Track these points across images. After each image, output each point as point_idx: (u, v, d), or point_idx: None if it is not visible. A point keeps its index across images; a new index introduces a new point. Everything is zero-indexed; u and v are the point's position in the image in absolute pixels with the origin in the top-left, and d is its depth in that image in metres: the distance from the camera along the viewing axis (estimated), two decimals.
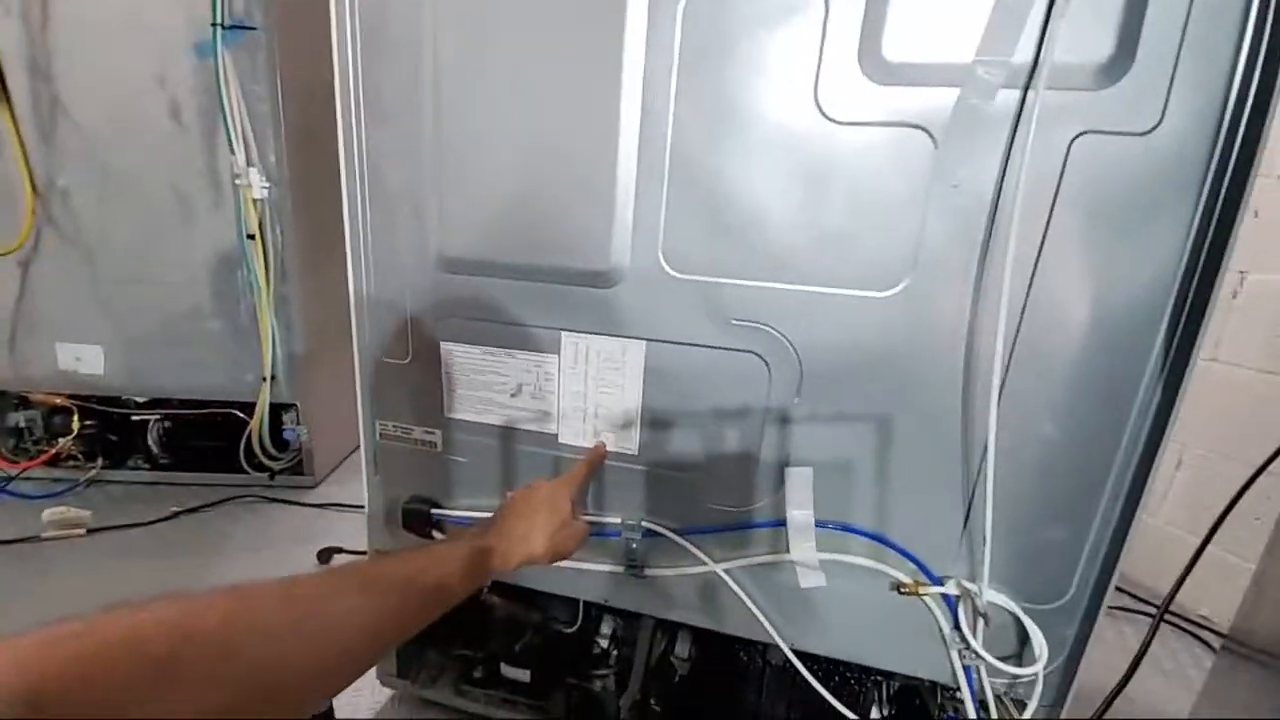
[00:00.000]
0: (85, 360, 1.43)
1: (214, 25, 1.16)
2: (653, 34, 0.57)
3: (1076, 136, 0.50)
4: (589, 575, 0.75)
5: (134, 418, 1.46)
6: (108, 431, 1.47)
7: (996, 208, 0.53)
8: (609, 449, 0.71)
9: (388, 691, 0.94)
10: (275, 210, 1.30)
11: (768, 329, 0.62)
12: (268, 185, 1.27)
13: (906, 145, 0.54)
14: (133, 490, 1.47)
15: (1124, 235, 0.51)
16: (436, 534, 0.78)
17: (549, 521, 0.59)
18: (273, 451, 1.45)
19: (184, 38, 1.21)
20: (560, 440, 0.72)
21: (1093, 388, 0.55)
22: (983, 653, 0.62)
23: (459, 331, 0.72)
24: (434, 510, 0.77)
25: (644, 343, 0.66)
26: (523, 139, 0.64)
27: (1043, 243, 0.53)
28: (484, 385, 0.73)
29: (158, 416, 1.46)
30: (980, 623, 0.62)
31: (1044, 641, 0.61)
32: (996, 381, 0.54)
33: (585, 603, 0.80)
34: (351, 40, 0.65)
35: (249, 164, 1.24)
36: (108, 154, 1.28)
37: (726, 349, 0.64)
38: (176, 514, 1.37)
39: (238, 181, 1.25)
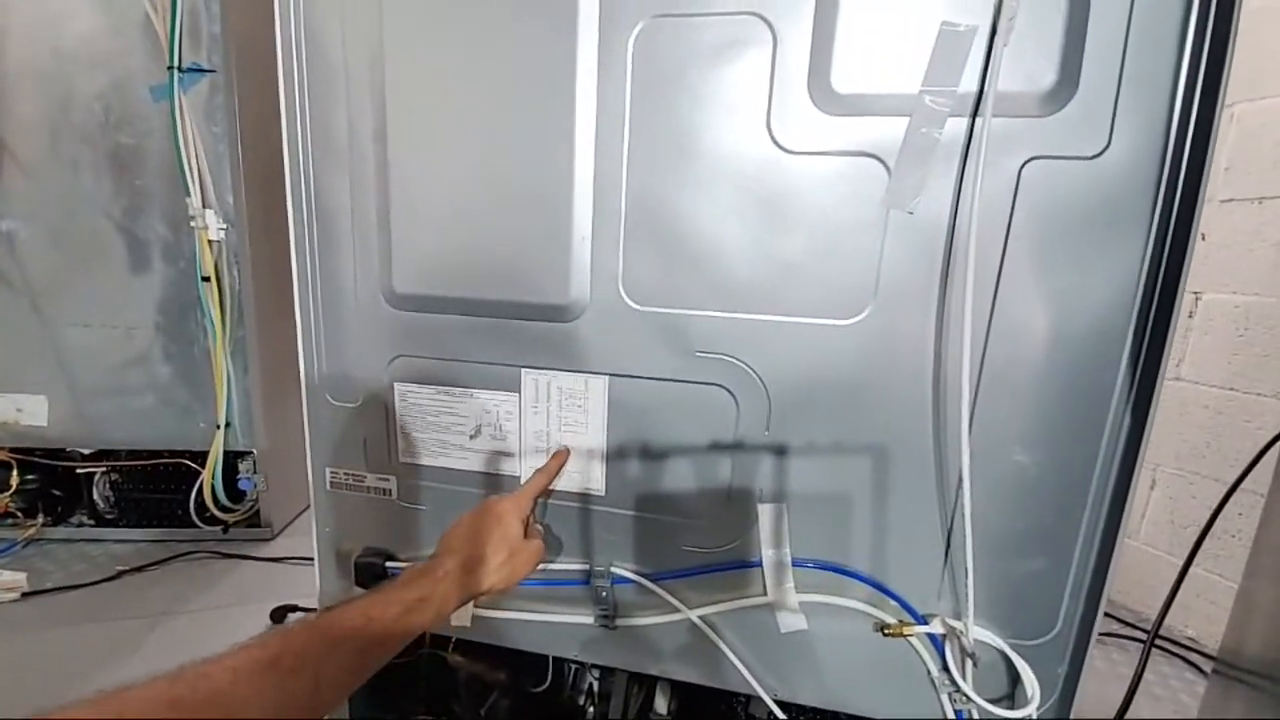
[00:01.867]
0: (27, 411, 1.35)
1: (170, 68, 1.14)
2: (603, 68, 0.57)
3: (1026, 162, 0.50)
4: (556, 629, 0.70)
5: (79, 470, 1.37)
6: (50, 486, 1.38)
7: (953, 234, 0.53)
8: (575, 490, 0.67)
9: None
10: (232, 252, 1.26)
11: (733, 361, 0.60)
12: (224, 226, 1.24)
13: (860, 173, 0.53)
14: (76, 549, 1.37)
15: (1080, 258, 0.51)
16: None
17: (495, 549, 0.55)
18: (226, 503, 1.37)
19: (139, 81, 1.19)
20: (522, 482, 0.69)
21: (1062, 413, 0.54)
22: (973, 695, 0.59)
23: (412, 371, 0.68)
24: (388, 563, 0.72)
25: (607, 378, 0.64)
26: (474, 172, 0.62)
27: (1001, 267, 0.52)
28: (440, 427, 0.69)
29: (104, 469, 1.37)
30: (969, 663, 0.59)
31: (1035, 680, 0.58)
32: (966, 410, 0.53)
33: (555, 658, 0.75)
34: (298, 76, 0.64)
35: (205, 205, 1.21)
36: (57, 197, 1.24)
37: (692, 382, 0.61)
38: (121, 573, 1.28)
39: (193, 223, 1.22)
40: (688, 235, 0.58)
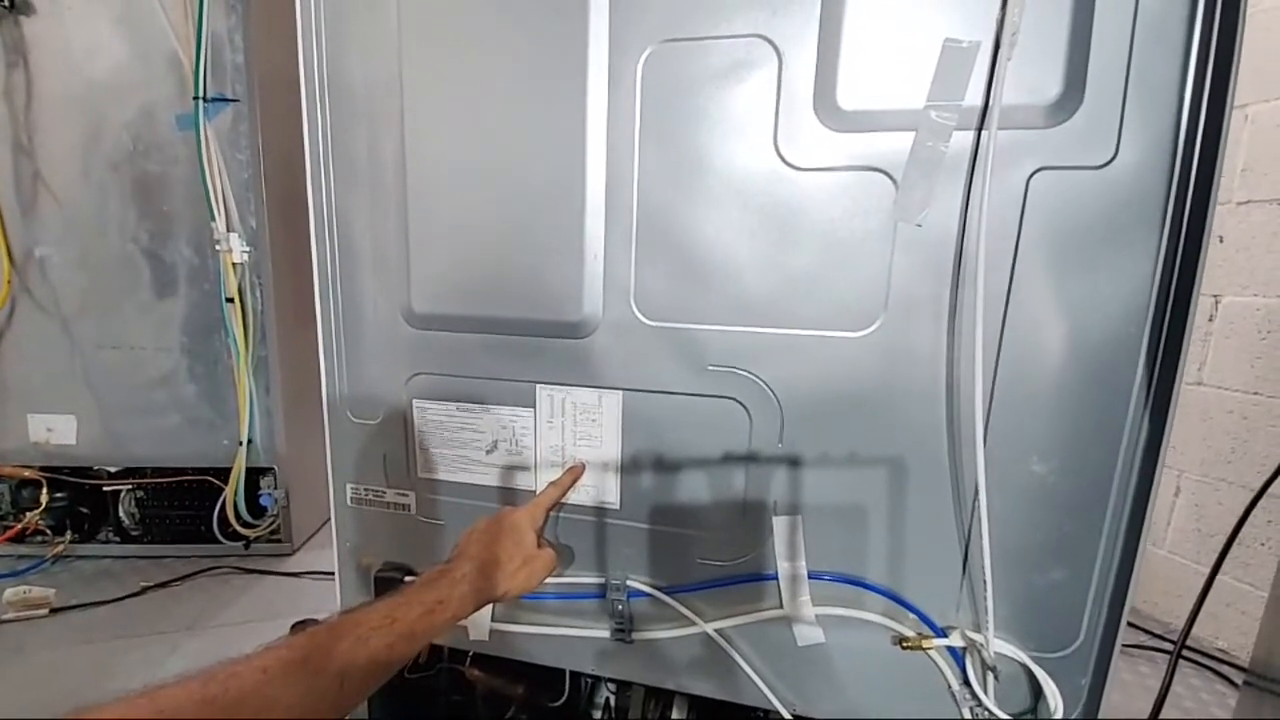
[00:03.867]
0: (57, 430, 1.39)
1: (195, 99, 1.19)
2: (614, 91, 0.59)
3: (1034, 173, 0.51)
4: (573, 642, 0.70)
5: (105, 488, 1.41)
6: (78, 503, 1.41)
7: (962, 245, 0.53)
8: (590, 504, 0.68)
9: None
10: (255, 274, 1.30)
11: (746, 374, 0.61)
12: (248, 249, 1.27)
13: (868, 188, 0.54)
14: (102, 565, 1.40)
15: (1092, 267, 0.51)
16: None
17: (510, 556, 0.57)
18: (248, 519, 1.39)
19: (166, 110, 1.24)
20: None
21: (1079, 421, 0.54)
22: (995, 710, 0.58)
23: (431, 388, 0.70)
24: (408, 577, 0.73)
25: (621, 392, 0.64)
26: (489, 195, 0.64)
27: (1012, 277, 0.53)
28: (458, 443, 0.70)
29: (130, 486, 1.41)
30: (990, 676, 0.58)
31: (1058, 693, 0.58)
32: (980, 420, 0.53)
33: (572, 672, 0.75)
34: (320, 104, 0.66)
35: (229, 230, 1.25)
36: (87, 224, 1.29)
37: (705, 395, 0.62)
38: (145, 589, 1.31)
39: (218, 247, 1.25)
40: (699, 251, 0.59)
